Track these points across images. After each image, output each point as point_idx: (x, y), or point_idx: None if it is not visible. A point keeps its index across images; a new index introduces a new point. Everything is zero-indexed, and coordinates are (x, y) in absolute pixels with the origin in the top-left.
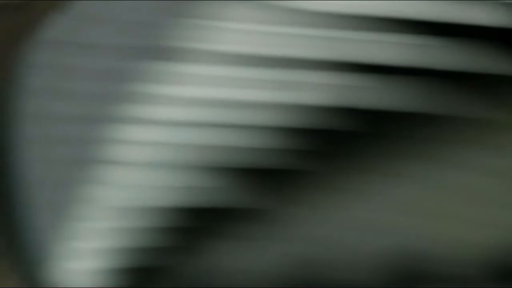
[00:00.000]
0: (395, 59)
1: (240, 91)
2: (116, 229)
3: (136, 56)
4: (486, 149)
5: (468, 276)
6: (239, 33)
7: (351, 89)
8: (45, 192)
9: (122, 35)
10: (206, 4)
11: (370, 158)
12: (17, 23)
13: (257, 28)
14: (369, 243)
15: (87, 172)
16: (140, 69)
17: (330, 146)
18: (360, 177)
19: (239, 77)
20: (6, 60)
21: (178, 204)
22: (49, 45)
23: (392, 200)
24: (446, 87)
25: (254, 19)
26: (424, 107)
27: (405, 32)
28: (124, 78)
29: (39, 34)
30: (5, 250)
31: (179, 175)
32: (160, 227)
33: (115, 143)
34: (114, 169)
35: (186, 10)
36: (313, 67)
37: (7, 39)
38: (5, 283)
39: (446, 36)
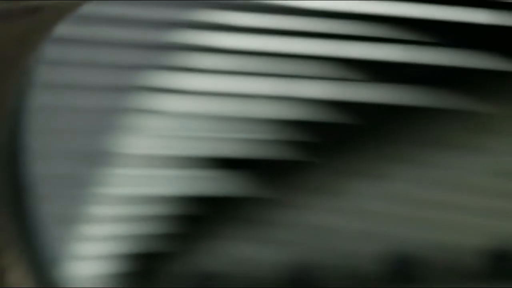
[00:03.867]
0: (397, 56)
1: (249, 84)
2: (127, 217)
3: (147, 51)
4: (486, 145)
5: (467, 266)
6: (245, 30)
7: (354, 86)
8: (56, 197)
9: (133, 33)
10: (211, 3)
11: (373, 152)
12: (30, 25)
13: (260, 26)
14: (371, 232)
15: (96, 173)
16: (149, 64)
17: (333, 138)
18: (362, 170)
19: (246, 71)
20: (20, 59)
21: (187, 193)
22: (62, 42)
23: (394, 192)
24: (447, 84)
25: (258, 18)
26: (425, 104)
27: (407, 31)
28: (135, 71)
29: (53, 33)
30: (19, 253)
31: (188, 167)
32: (169, 215)
33: (125, 134)
34: (122, 162)
35: (192, 8)
36: (320, 63)
37: (22, 40)
38: (19, 284)
39: (447, 35)
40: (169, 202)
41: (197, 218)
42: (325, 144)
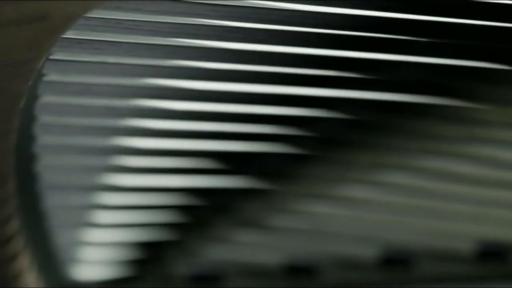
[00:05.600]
0: (391, 57)
1: (249, 85)
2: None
3: (149, 54)
4: (481, 142)
5: (459, 251)
6: (242, 32)
7: (353, 84)
8: (62, 199)
9: (136, 37)
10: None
11: (374, 148)
12: (39, 30)
13: (257, 27)
14: (370, 220)
15: (99, 179)
16: (152, 66)
17: (331, 134)
18: (362, 163)
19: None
20: (30, 63)
21: (189, 186)
22: (69, 46)
23: (391, 183)
24: (442, 82)
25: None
26: (419, 100)
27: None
28: (139, 72)
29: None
30: (27, 252)
31: (190, 162)
32: (171, 205)
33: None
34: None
35: (189, 11)
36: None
37: (31, 44)
38: (24, 282)
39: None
40: (171, 195)
41: (196, 211)
42: (323, 140)
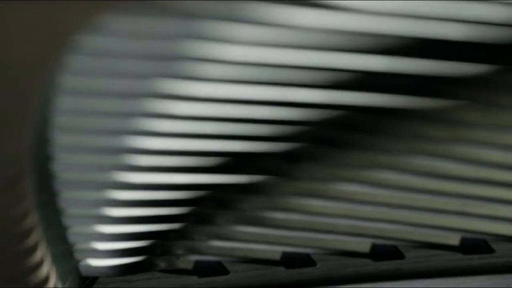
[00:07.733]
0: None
1: (255, 90)
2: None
3: (164, 60)
4: (470, 142)
5: (446, 245)
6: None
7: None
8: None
9: (148, 41)
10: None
11: (367, 148)
12: (52, 33)
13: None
14: (362, 216)
15: (115, 164)
16: (167, 72)
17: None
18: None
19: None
20: (44, 66)
21: (192, 182)
22: (82, 50)
23: (383, 181)
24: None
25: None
26: (408, 105)
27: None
28: (151, 79)
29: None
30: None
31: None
32: (177, 201)
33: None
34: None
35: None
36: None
37: (44, 48)
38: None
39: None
40: (177, 191)
41: (200, 206)
42: (319, 141)
